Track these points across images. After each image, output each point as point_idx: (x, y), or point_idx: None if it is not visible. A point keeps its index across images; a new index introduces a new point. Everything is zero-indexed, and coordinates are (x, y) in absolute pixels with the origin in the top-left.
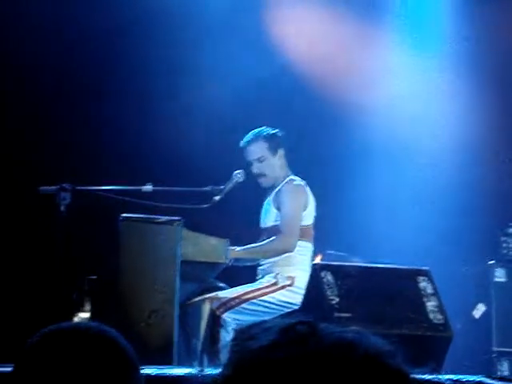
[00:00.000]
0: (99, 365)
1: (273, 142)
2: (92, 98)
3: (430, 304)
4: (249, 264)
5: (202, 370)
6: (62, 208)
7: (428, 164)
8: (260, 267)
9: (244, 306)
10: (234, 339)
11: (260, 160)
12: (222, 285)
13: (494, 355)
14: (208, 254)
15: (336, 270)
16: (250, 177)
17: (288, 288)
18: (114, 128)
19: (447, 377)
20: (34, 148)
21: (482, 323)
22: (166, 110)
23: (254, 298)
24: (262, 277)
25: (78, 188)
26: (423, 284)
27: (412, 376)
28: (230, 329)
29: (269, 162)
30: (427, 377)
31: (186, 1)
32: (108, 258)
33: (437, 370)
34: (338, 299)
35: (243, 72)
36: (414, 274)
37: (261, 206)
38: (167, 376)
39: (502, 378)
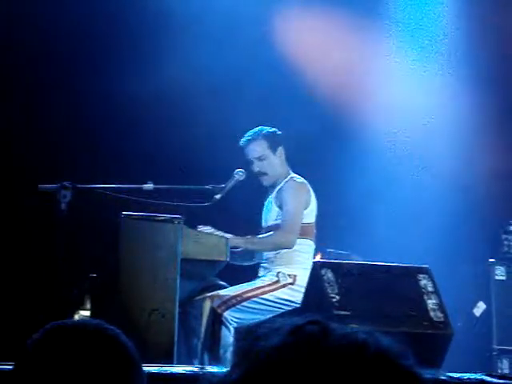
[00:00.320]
0: (101, 361)
1: (273, 141)
2: (93, 96)
3: (431, 302)
4: (248, 263)
5: (202, 368)
6: (63, 206)
7: (428, 163)
8: (262, 265)
9: (245, 304)
10: (242, 339)
11: (260, 159)
12: (222, 283)
13: (495, 353)
14: (208, 252)
15: (336, 268)
16: (250, 175)
17: (289, 286)
18: (114, 126)
19: (448, 375)
20: (34, 146)
21: (483, 321)
22: (167, 108)
23: (255, 296)
24: (264, 275)
25: (79, 186)
26: (423, 282)
27: (424, 377)
28: (230, 327)
29: (269, 161)
30: (428, 375)
31: (189, 3)
32: (108, 256)
33: (437, 368)
34: (338, 297)
35: (245, 71)
36: (414, 272)
37: (262, 204)
38: (168, 374)
39: (502, 376)
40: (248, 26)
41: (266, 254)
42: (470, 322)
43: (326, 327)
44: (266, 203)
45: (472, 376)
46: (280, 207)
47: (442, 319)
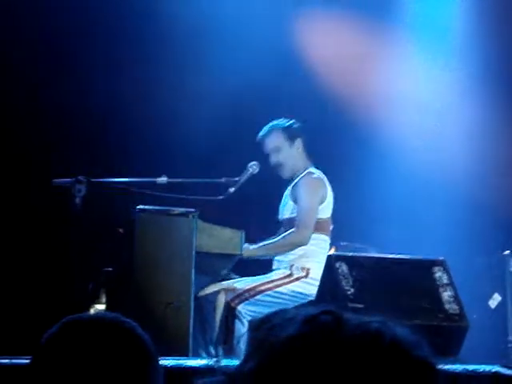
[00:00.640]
0: (118, 354)
1: (289, 133)
2: (106, 91)
3: (446, 294)
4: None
5: (218, 361)
6: (77, 200)
7: (442, 156)
8: (275, 258)
9: (258, 297)
10: (256, 329)
11: (277, 150)
12: (236, 276)
13: (510, 345)
14: (223, 246)
15: (351, 261)
16: (264, 168)
17: (303, 280)
18: (128, 120)
19: (463, 367)
20: (48, 141)
21: (498, 313)
22: (181, 102)
23: (268, 289)
24: (278, 268)
25: (93, 180)
26: (439, 274)
27: (439, 367)
28: (244, 321)
29: (286, 153)
30: (443, 367)
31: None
32: (123, 250)
33: (453, 361)
34: (352, 290)
35: (260, 66)
36: (429, 264)
37: (276, 197)
38: (183, 367)
39: None
40: (261, 25)
41: None
42: (485, 314)
43: (340, 317)
44: (283, 196)
45: (487, 368)
46: (295, 201)
47: (458, 311)
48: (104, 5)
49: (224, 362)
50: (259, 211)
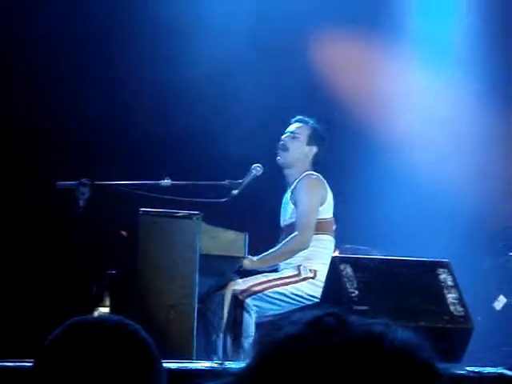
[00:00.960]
0: (121, 357)
1: (314, 135)
2: (109, 93)
3: (451, 296)
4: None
5: (222, 364)
6: (81, 203)
7: (447, 158)
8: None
9: (266, 293)
10: (262, 331)
11: (293, 136)
12: (240, 279)
13: None
14: (227, 248)
15: (355, 263)
16: (268, 170)
17: (310, 280)
18: (131, 123)
19: (468, 369)
20: (52, 143)
21: (503, 315)
22: (184, 104)
23: (276, 286)
24: (285, 268)
25: (97, 183)
26: (443, 276)
27: (442, 370)
28: (252, 313)
29: (298, 144)
30: (448, 369)
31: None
32: (127, 252)
33: (457, 363)
34: (357, 292)
35: (267, 74)
36: (434, 266)
37: (280, 199)
38: (187, 370)
39: None
40: (273, 39)
41: None
42: (490, 315)
43: (344, 319)
44: (283, 201)
45: (492, 370)
46: (295, 205)
47: (462, 313)
48: (105, 9)
49: (228, 364)
50: (263, 213)
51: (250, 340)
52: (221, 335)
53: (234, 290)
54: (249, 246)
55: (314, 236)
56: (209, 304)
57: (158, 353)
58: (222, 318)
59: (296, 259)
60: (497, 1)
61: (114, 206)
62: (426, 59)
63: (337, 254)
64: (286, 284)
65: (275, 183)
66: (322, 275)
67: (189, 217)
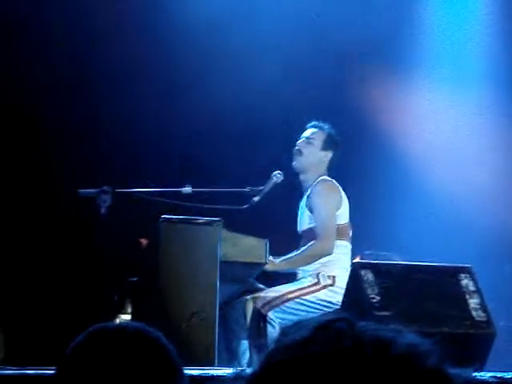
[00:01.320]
0: (143, 364)
1: (329, 140)
2: (131, 101)
3: (473, 301)
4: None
5: (243, 371)
6: (103, 210)
7: (467, 163)
8: (300, 267)
9: (287, 305)
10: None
11: (308, 141)
12: (261, 286)
13: None
14: (247, 255)
15: (376, 269)
16: (289, 177)
17: (329, 288)
18: (153, 130)
19: (490, 374)
20: (73, 151)
21: None
22: (205, 113)
23: (297, 297)
24: (304, 276)
25: (118, 190)
26: (465, 281)
27: (452, 374)
28: (276, 326)
29: (313, 149)
30: (470, 375)
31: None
32: (148, 260)
33: (480, 368)
34: (378, 298)
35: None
36: (456, 272)
37: (298, 206)
38: (209, 376)
39: None
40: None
41: None
42: None
43: (353, 324)
44: (299, 207)
45: None
46: (311, 211)
47: (485, 319)
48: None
49: (249, 371)
50: (284, 220)
51: None
52: (242, 342)
53: (256, 304)
54: (270, 252)
55: None
56: (231, 311)
57: (179, 360)
58: (244, 327)
59: (314, 266)
60: None
61: (135, 214)
62: (447, 81)
63: (358, 259)
64: (307, 294)
65: (296, 190)
66: (341, 281)
67: (209, 223)
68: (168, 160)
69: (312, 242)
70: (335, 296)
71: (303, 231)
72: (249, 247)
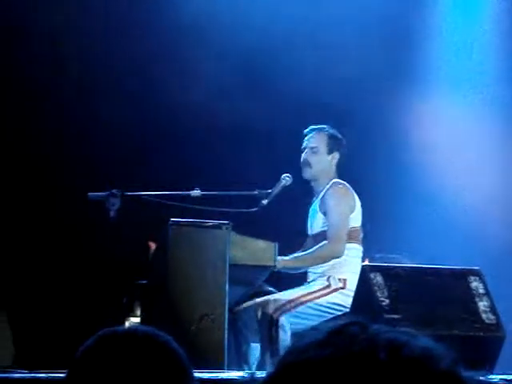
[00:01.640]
0: (153, 368)
1: (333, 142)
2: (140, 104)
3: (482, 304)
4: (297, 272)
5: (253, 374)
6: (112, 214)
7: (479, 168)
8: (311, 270)
9: (299, 309)
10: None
11: (313, 150)
12: (270, 289)
13: None
14: (257, 258)
15: (386, 272)
16: (298, 180)
17: (340, 291)
18: (161, 133)
19: (500, 377)
20: (82, 154)
21: None
22: (212, 116)
23: (308, 301)
24: (314, 279)
25: (127, 194)
26: (475, 284)
27: (467, 378)
28: (288, 331)
29: (320, 156)
30: (480, 377)
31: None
32: (157, 263)
33: (489, 371)
34: (388, 301)
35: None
36: (465, 274)
37: (308, 209)
38: (219, 379)
39: None
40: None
41: None
42: None
43: (367, 328)
44: (310, 210)
45: None
46: (325, 214)
47: (494, 321)
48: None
49: (259, 375)
50: (292, 223)
51: None
52: (252, 346)
53: (267, 309)
54: (279, 255)
55: None
56: (241, 314)
57: (189, 364)
58: (254, 330)
59: (325, 268)
60: None
61: (144, 217)
62: (453, 85)
63: (367, 262)
64: (318, 297)
65: (305, 193)
66: (352, 284)
67: (218, 227)
68: (177, 163)
69: (323, 243)
70: (346, 299)
71: (316, 234)
72: (258, 250)
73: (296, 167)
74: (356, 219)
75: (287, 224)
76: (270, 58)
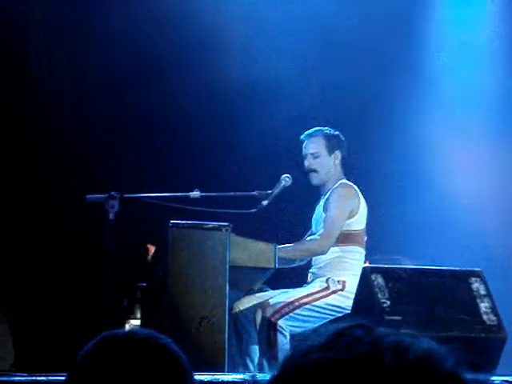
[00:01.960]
0: (153, 371)
1: (331, 142)
2: (138, 106)
3: (483, 305)
4: (294, 265)
5: (254, 376)
6: (111, 216)
7: (483, 169)
8: (310, 271)
9: (297, 311)
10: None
11: (315, 155)
12: (269, 289)
13: None
14: (257, 259)
15: (387, 273)
16: (298, 180)
17: (339, 292)
18: (161, 135)
19: (501, 378)
20: (81, 156)
21: None
22: (212, 117)
23: (307, 303)
24: (313, 281)
25: (126, 196)
26: (476, 285)
27: (470, 379)
28: (286, 334)
29: (322, 160)
30: (481, 379)
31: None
32: (157, 265)
33: (491, 372)
34: (389, 302)
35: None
36: (466, 275)
37: (309, 209)
38: (219, 382)
39: None
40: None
41: (315, 260)
42: None
43: (371, 330)
44: (316, 209)
45: None
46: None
47: (495, 323)
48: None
49: (260, 377)
50: (292, 224)
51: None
52: (253, 348)
53: (265, 313)
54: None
55: (343, 247)
56: (240, 317)
57: (189, 366)
58: (254, 332)
59: (324, 270)
60: None
61: (144, 219)
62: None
63: (367, 265)
64: (316, 299)
65: (305, 193)
66: (351, 286)
67: (218, 228)
68: (176, 164)
69: (313, 237)
70: (345, 301)
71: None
72: (258, 252)
73: (296, 167)
74: (360, 221)
75: (287, 225)
76: (268, 58)
